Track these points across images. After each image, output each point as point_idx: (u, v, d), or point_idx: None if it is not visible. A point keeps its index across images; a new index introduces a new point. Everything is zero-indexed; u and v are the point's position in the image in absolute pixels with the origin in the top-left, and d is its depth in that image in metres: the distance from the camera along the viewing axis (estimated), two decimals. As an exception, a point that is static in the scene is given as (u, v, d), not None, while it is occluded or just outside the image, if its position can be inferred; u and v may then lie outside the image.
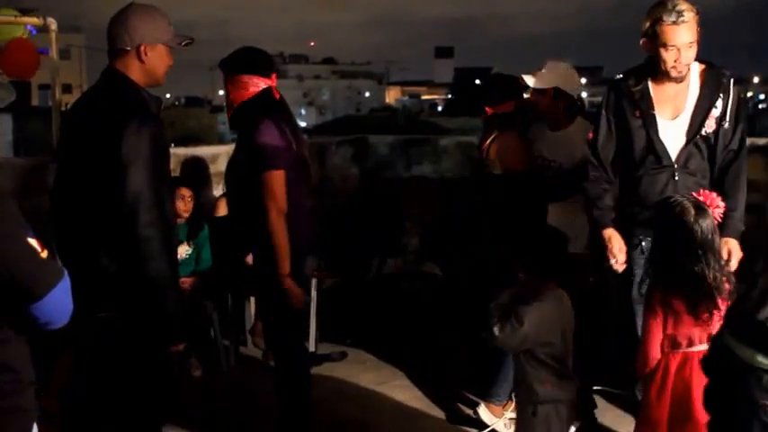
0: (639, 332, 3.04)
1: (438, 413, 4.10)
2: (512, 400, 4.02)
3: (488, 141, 3.86)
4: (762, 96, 71.91)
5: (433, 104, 67.71)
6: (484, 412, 3.93)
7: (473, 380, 4.17)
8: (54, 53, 5.13)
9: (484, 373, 4.03)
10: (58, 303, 1.95)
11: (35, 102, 27.39)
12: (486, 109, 3.96)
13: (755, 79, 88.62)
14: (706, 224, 2.75)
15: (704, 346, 2.81)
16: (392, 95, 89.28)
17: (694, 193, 2.94)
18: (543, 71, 3.98)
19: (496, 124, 3.90)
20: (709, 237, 2.75)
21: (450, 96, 70.57)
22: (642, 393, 3.03)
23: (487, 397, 3.95)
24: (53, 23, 5.06)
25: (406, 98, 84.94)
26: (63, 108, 5.76)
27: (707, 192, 2.99)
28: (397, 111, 51.27)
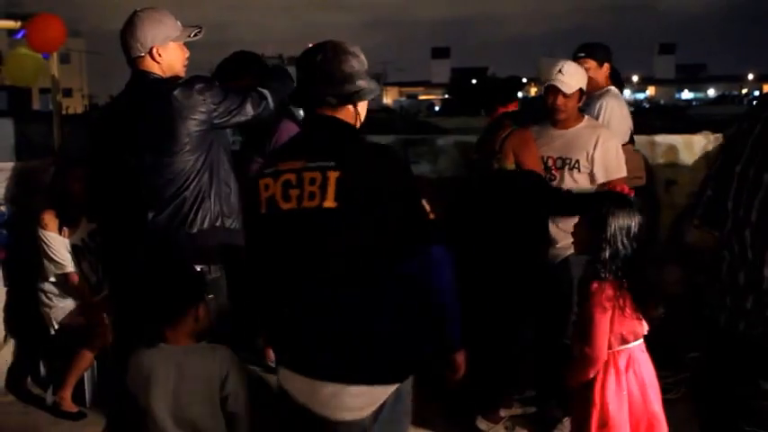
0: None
1: (439, 416, 4.12)
2: (512, 398, 4.09)
3: (504, 135, 3.88)
4: (756, 93, 72.02)
5: (431, 105, 67.75)
6: (481, 422, 4.01)
7: (474, 379, 4.18)
8: (54, 57, 5.17)
9: (482, 378, 4.05)
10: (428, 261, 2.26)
11: (36, 106, 27.50)
12: (498, 108, 4.05)
13: (750, 76, 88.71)
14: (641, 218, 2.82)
15: (641, 341, 2.87)
16: (390, 96, 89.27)
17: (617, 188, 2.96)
18: (565, 74, 3.91)
19: (509, 121, 3.95)
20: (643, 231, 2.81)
21: (447, 96, 70.63)
22: (585, 398, 2.84)
23: (484, 408, 4.02)
24: (53, 28, 5.10)
25: (404, 99, 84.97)
26: (64, 112, 5.79)
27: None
28: (395, 112, 51.27)
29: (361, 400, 2.23)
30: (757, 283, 1.89)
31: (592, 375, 2.81)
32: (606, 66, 4.54)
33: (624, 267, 2.76)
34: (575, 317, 3.02)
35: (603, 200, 2.89)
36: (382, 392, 2.24)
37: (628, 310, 2.76)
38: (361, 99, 2.35)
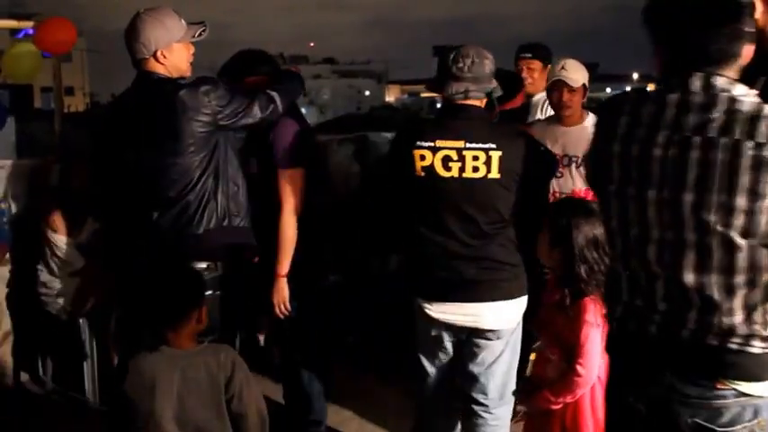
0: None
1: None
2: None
3: None
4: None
5: (433, 102, 67.59)
6: None
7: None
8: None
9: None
10: None
11: (38, 104, 27.50)
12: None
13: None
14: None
15: None
16: (392, 94, 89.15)
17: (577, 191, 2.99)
18: (569, 70, 3.88)
19: (507, 120, 3.87)
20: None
21: (449, 94, 70.37)
22: (580, 411, 2.72)
23: None
24: (55, 27, 5.10)
25: (406, 96, 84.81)
26: (66, 110, 5.79)
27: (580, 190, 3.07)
28: (398, 109, 51.27)
29: (504, 314, 3.03)
30: (675, 293, 1.84)
31: (579, 395, 2.64)
32: (549, 67, 4.42)
33: (601, 279, 2.55)
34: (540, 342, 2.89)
35: (562, 210, 2.73)
36: (521, 305, 3.06)
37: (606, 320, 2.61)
38: (495, 94, 3.02)
